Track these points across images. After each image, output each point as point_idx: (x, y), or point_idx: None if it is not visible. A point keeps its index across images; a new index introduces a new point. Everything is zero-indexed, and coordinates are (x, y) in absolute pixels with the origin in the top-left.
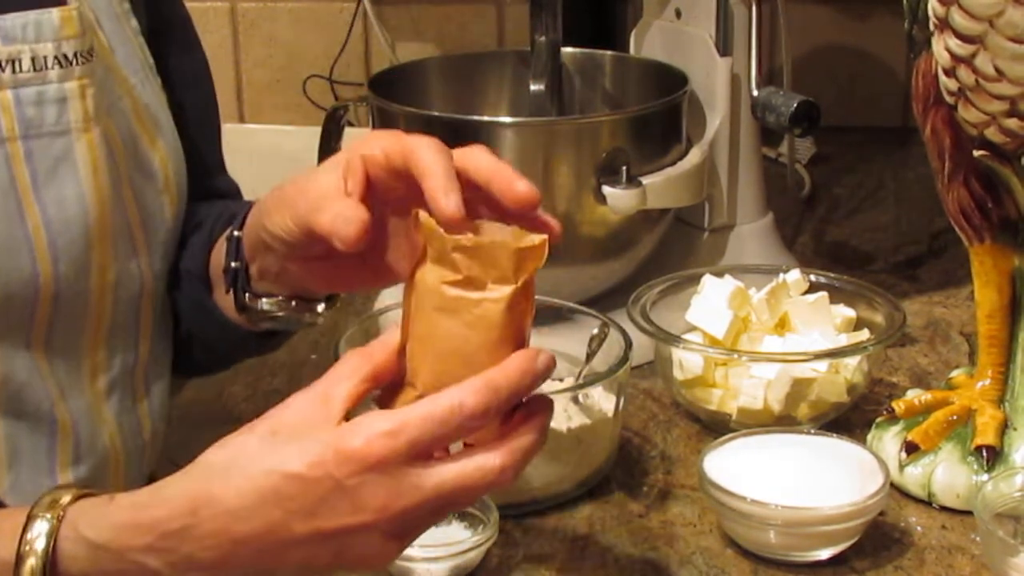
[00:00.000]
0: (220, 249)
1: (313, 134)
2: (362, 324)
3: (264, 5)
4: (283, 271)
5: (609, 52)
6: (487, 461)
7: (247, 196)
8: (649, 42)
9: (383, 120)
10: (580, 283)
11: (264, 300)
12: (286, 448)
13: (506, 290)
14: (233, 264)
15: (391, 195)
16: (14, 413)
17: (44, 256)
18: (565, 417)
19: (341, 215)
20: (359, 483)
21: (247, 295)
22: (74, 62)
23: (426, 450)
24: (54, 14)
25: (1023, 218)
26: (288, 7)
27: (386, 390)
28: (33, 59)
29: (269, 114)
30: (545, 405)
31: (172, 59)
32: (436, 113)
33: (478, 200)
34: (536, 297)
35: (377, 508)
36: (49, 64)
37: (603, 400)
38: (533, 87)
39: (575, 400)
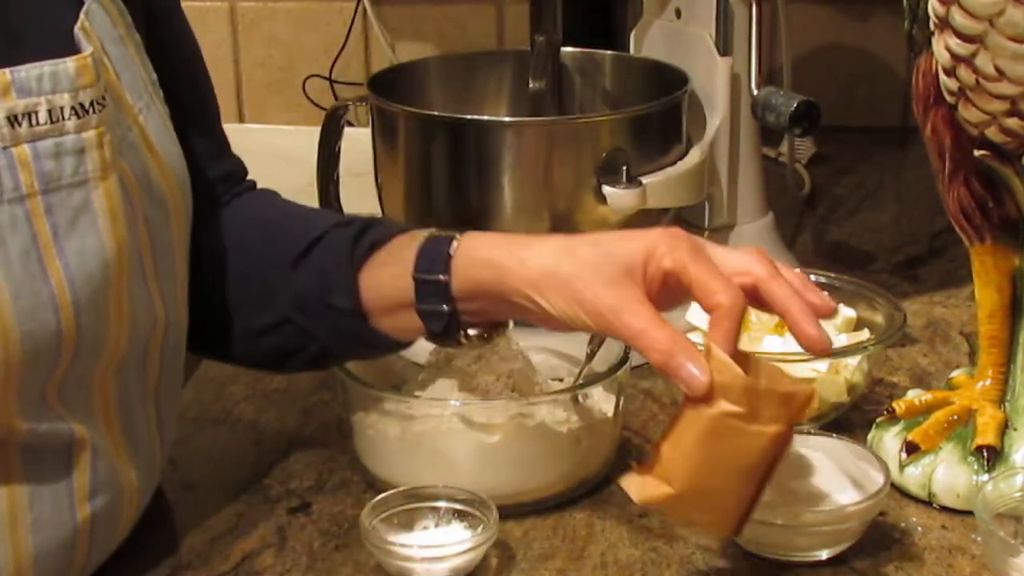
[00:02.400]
0: (378, 280)
1: (313, 134)
2: None
3: (264, 5)
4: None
5: (609, 52)
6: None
7: None
8: (649, 42)
9: (383, 120)
10: None
11: (470, 333)
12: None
13: (775, 428)
14: (445, 307)
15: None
16: (35, 459)
17: (68, 312)
18: (565, 417)
19: (688, 366)
20: None
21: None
22: (91, 110)
23: None
24: (69, 64)
25: None
26: (288, 7)
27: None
28: (50, 111)
29: (269, 114)
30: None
31: (170, 44)
32: (436, 113)
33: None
34: None
35: None
36: (66, 115)
37: (603, 400)
38: (533, 87)
39: (575, 400)
